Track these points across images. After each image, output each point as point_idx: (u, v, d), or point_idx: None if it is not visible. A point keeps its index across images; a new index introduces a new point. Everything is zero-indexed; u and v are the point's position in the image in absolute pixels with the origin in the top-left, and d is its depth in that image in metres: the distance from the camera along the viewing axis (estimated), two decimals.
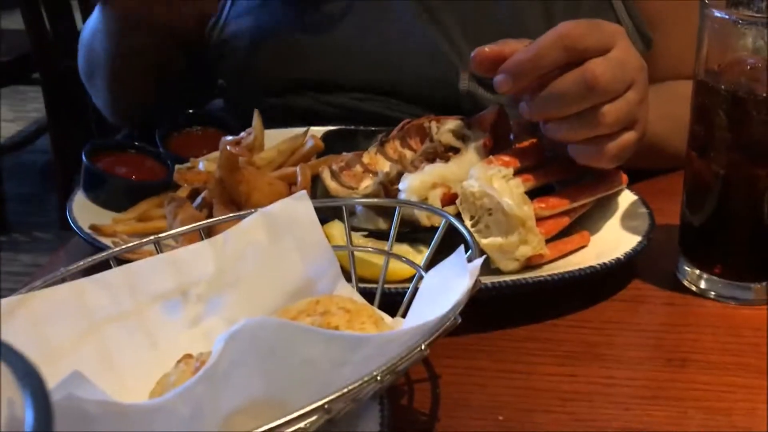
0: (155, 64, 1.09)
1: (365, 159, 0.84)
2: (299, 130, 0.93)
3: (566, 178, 0.82)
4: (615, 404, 0.63)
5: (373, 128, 0.96)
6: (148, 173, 0.92)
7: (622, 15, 1.02)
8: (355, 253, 0.70)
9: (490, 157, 0.79)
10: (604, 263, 0.74)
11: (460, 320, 0.52)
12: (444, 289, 0.56)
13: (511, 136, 0.85)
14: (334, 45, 1.04)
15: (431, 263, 0.64)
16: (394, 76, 1.03)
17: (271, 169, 0.86)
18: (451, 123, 0.83)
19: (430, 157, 0.82)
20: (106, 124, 1.24)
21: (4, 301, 0.57)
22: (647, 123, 0.80)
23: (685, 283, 0.78)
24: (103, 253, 0.65)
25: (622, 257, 0.75)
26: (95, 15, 1.08)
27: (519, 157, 0.79)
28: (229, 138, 0.91)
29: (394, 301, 0.66)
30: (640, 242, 0.77)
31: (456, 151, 0.82)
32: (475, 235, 0.74)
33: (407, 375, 0.64)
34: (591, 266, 0.74)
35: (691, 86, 0.75)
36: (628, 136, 0.77)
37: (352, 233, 0.72)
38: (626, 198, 0.85)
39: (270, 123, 0.94)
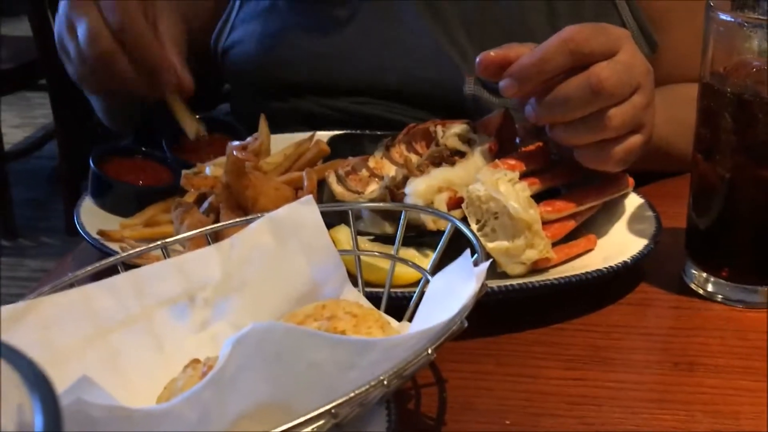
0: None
1: (371, 163, 0.84)
2: (305, 135, 0.94)
3: (572, 182, 0.82)
4: (622, 408, 0.63)
5: (378, 132, 0.96)
6: (155, 178, 0.92)
7: (626, 15, 1.01)
8: (362, 257, 0.70)
9: (496, 160, 0.79)
10: (611, 267, 0.74)
11: (466, 324, 0.52)
12: (450, 293, 0.56)
13: (517, 140, 0.85)
14: (339, 48, 1.04)
15: (437, 267, 0.64)
16: (399, 79, 1.03)
17: (277, 173, 0.86)
18: (457, 127, 0.84)
19: (436, 161, 0.82)
20: (112, 130, 1.24)
21: (13, 306, 0.58)
22: (653, 126, 0.80)
23: (692, 286, 0.77)
24: (111, 258, 0.66)
25: (628, 260, 0.75)
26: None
27: (525, 161, 0.79)
28: (236, 143, 0.91)
29: (400, 306, 0.66)
30: (647, 245, 0.77)
31: (462, 155, 0.82)
32: (482, 238, 0.74)
33: (414, 379, 0.64)
34: (598, 270, 0.73)
35: (697, 89, 0.75)
36: (635, 140, 0.77)
37: (359, 237, 0.72)
38: (633, 201, 0.85)
39: (274, 127, 0.94)
